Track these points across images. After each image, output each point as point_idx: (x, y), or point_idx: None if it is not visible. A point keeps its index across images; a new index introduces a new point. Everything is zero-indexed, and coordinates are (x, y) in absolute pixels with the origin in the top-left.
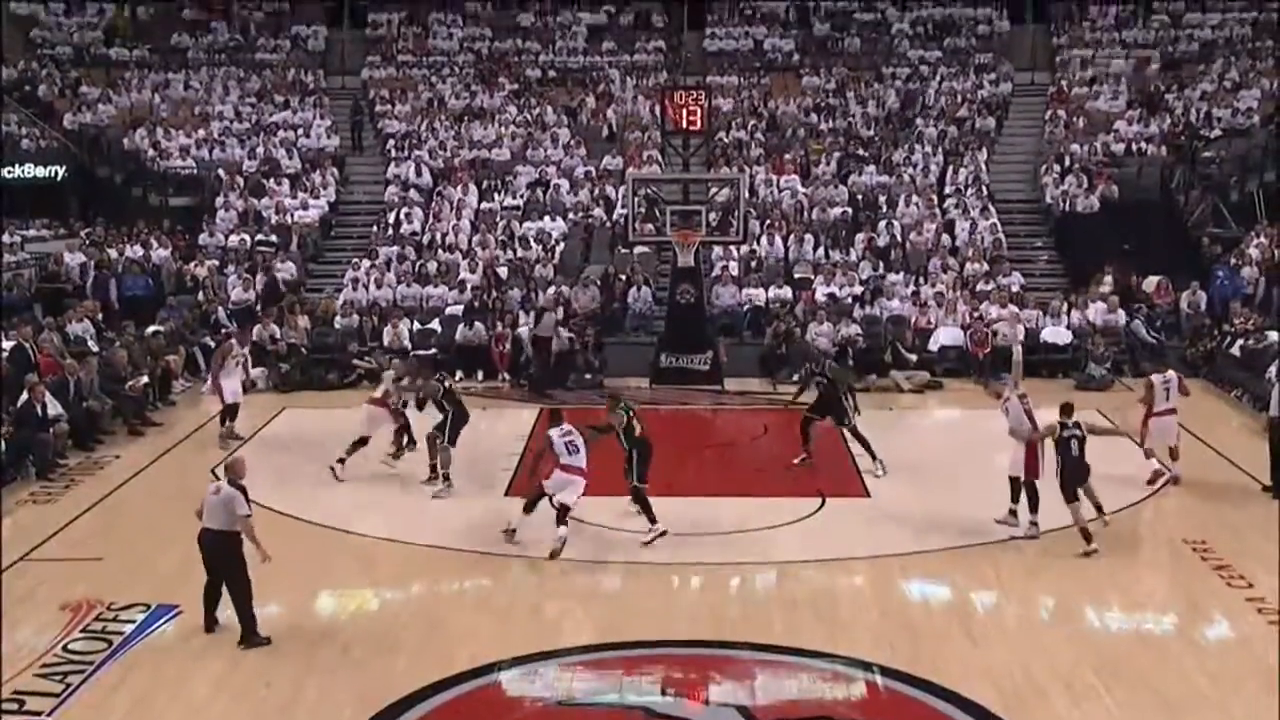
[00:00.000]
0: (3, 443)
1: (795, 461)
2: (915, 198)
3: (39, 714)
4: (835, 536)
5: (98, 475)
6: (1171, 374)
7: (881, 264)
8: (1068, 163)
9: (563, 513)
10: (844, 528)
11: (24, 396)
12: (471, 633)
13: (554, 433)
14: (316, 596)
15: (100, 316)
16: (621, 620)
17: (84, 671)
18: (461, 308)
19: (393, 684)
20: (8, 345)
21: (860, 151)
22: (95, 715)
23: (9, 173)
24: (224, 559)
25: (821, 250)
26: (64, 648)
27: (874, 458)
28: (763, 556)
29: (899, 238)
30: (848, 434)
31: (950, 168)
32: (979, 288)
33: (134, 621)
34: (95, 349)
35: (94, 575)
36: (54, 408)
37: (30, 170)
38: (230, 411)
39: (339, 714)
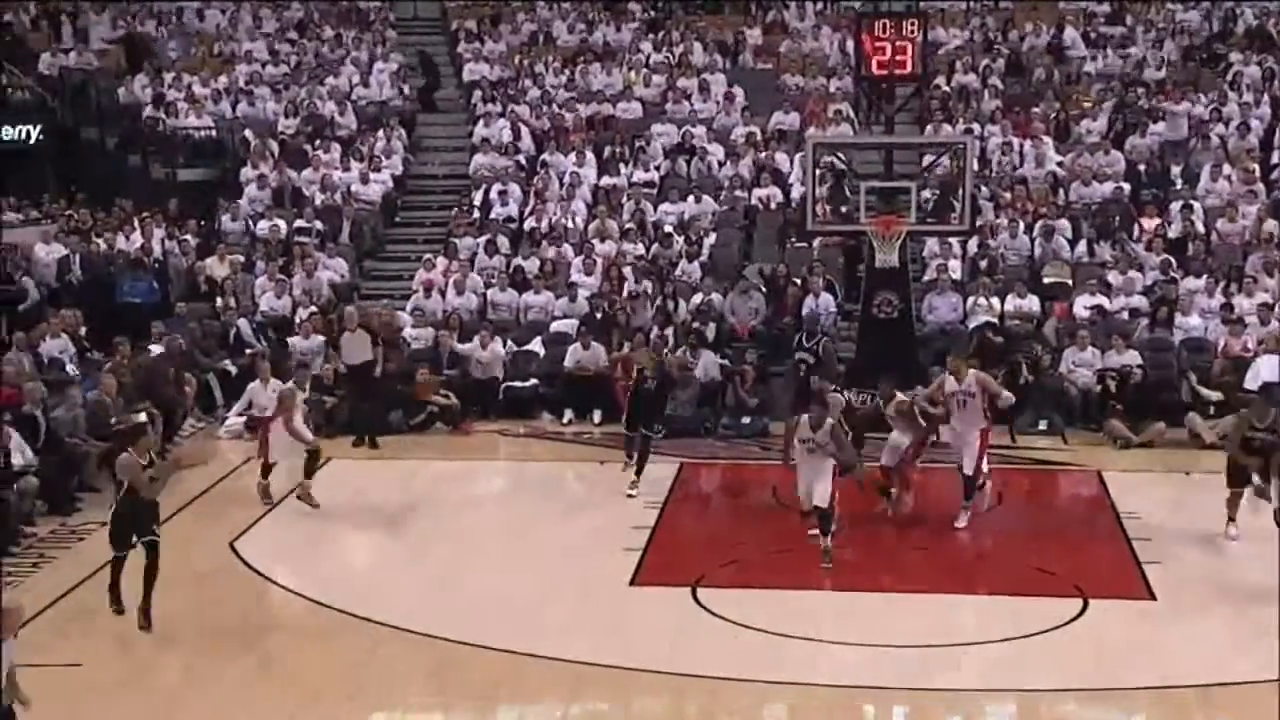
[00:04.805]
0: None
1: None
2: (1227, 168)
3: None
4: (1103, 655)
5: (77, 549)
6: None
7: (1175, 264)
8: None
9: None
10: (1116, 642)
11: None
12: None
13: (950, 383)
14: None
15: (84, 331)
16: None
17: None
18: (574, 322)
19: None
20: None
21: (1144, 103)
22: None
23: None
24: None
25: (1084, 245)
26: None
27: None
28: (995, 680)
29: (1201, 226)
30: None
31: None
32: None
33: None
34: (77, 375)
35: (69, 687)
36: (20, 455)
37: None
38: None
39: None
